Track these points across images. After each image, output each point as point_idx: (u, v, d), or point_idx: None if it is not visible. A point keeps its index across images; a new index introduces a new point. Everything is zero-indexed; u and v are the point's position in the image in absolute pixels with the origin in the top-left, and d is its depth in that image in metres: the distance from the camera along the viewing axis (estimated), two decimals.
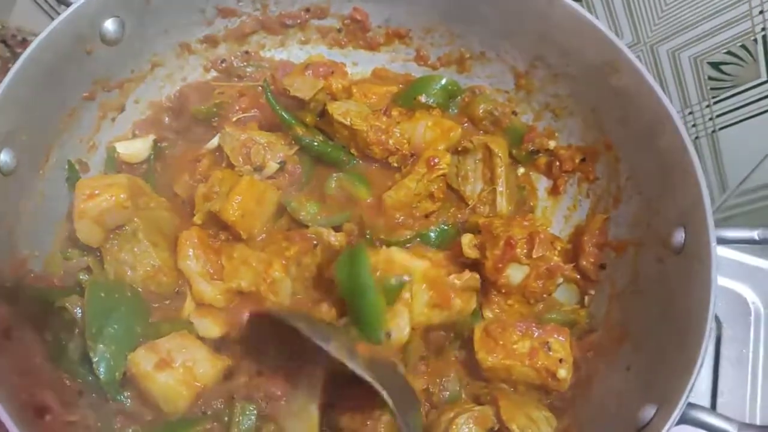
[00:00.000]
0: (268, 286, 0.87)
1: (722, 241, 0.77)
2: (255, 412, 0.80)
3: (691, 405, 0.69)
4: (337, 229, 0.91)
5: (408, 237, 0.93)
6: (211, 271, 0.87)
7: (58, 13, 1.35)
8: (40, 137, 0.87)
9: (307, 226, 0.91)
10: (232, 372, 0.83)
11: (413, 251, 0.89)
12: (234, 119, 0.99)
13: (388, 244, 0.89)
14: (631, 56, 0.88)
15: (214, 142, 0.96)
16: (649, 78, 0.86)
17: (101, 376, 0.78)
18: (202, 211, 0.89)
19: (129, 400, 0.81)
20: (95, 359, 0.78)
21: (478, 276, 0.88)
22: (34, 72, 0.82)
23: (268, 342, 0.84)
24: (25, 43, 1.47)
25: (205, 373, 0.80)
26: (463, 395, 0.86)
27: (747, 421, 0.95)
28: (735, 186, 1.29)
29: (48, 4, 1.39)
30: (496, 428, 0.81)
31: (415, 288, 0.85)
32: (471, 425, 0.79)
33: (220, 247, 0.89)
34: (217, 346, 0.85)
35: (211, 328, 0.85)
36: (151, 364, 0.78)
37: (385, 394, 0.71)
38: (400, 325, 0.82)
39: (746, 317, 1.10)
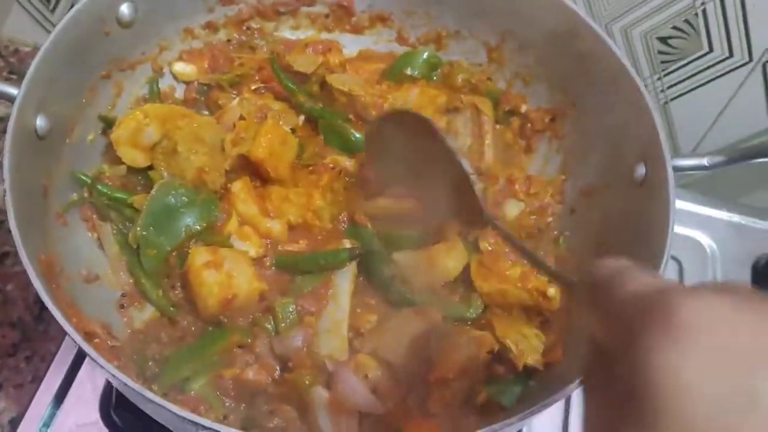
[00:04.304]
0: (313, 214, 0.98)
1: (677, 169, 0.89)
2: (294, 306, 0.90)
3: None
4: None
5: None
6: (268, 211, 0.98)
7: (52, 24, 1.46)
8: (67, 109, 0.95)
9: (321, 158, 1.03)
10: (265, 297, 0.93)
11: None
12: (253, 88, 1.10)
13: None
14: (590, 21, 1.00)
15: (235, 103, 1.06)
16: (606, 38, 0.98)
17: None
18: (232, 155, 0.99)
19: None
20: None
21: None
22: (62, 47, 0.90)
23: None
24: (18, 53, 1.54)
25: (240, 285, 0.90)
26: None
27: None
28: (688, 153, 1.40)
29: (42, 15, 1.47)
30: (495, 350, 0.91)
31: None
32: (474, 346, 0.89)
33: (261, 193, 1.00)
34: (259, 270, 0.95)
35: (251, 250, 0.96)
36: (203, 261, 0.90)
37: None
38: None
39: (704, 259, 1.24)
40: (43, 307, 1.15)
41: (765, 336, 0.36)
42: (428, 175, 0.88)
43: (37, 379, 1.07)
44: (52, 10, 1.45)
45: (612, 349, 0.42)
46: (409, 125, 0.89)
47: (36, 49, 1.51)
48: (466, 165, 0.84)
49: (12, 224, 0.75)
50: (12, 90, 0.84)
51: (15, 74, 1.51)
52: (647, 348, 0.37)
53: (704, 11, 1.16)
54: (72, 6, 1.39)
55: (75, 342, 0.69)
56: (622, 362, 0.39)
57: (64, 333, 1.06)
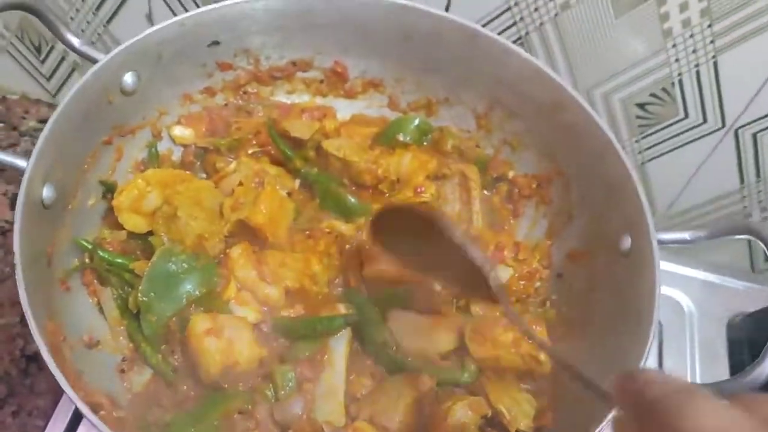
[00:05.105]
0: (310, 279, 1.00)
1: (661, 242, 0.93)
2: (293, 374, 0.93)
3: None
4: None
5: None
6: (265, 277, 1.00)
7: (41, 74, 1.48)
8: (71, 176, 0.97)
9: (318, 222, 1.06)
10: (264, 363, 0.95)
11: None
12: (250, 152, 1.13)
13: None
14: (576, 95, 1.05)
15: (232, 168, 1.09)
16: (593, 113, 1.03)
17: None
18: (231, 221, 1.01)
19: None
20: None
21: None
22: (69, 117, 0.92)
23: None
24: (5, 101, 1.55)
25: (241, 352, 0.92)
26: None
27: None
28: (664, 210, 1.46)
29: (31, 64, 1.49)
30: (489, 415, 0.94)
31: None
32: (468, 411, 0.92)
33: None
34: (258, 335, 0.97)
35: (249, 315, 0.98)
36: (204, 328, 0.92)
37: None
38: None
39: (682, 318, 1.29)
40: (29, 361, 1.17)
41: None
42: (436, 260, 0.88)
43: None
44: (42, 61, 1.47)
45: None
46: (411, 219, 0.88)
47: (24, 97, 1.54)
48: (479, 255, 0.84)
49: (22, 296, 0.77)
50: (21, 162, 0.86)
51: (3, 122, 1.52)
52: None
53: (680, 81, 1.22)
54: (63, 58, 1.44)
55: (86, 417, 0.71)
56: None
57: (53, 389, 1.09)
